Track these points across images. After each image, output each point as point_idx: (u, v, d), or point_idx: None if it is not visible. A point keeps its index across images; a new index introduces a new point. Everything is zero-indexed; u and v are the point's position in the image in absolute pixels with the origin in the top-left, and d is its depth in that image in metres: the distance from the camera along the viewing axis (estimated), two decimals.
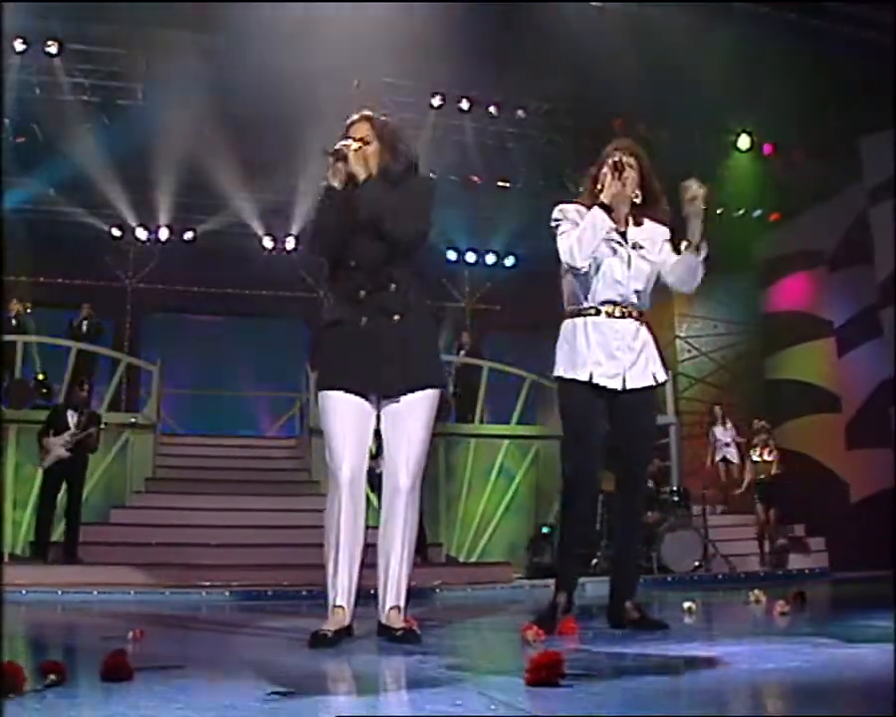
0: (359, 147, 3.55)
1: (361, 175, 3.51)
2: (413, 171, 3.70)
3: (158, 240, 14.66)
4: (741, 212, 14.20)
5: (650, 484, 11.44)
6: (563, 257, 3.75)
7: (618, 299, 3.85)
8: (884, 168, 11.78)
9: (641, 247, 3.91)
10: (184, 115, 11.36)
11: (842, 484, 12.80)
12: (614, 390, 3.81)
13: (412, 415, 3.50)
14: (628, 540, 4.03)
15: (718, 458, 12.53)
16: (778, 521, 11.51)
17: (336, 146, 3.54)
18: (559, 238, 3.82)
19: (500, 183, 13.42)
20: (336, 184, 3.53)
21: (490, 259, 16.02)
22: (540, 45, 10.05)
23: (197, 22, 10.34)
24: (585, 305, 3.86)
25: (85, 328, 12.31)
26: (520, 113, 11.92)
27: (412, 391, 3.50)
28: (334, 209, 3.54)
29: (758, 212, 14.33)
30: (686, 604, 4.71)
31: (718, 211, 14.09)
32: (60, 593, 7.72)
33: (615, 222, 3.80)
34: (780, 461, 11.62)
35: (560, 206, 3.92)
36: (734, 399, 14.31)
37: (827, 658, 2.80)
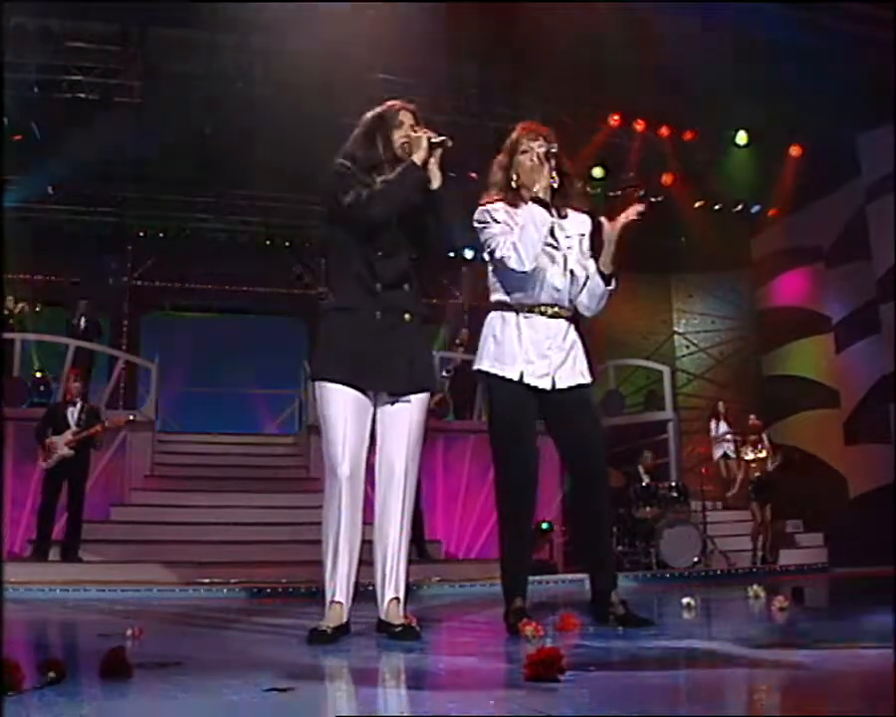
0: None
1: (436, 181, 3.52)
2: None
3: (157, 238, 14.64)
4: (739, 208, 14.20)
5: (646, 480, 11.48)
6: (509, 263, 3.61)
7: (552, 302, 3.76)
8: (883, 164, 11.78)
9: (570, 248, 3.81)
10: (182, 112, 11.35)
11: (841, 479, 12.82)
12: (544, 391, 3.69)
13: (411, 413, 3.51)
14: (601, 535, 3.85)
15: (719, 455, 12.52)
16: (772, 517, 11.49)
17: (439, 139, 3.51)
18: (491, 240, 3.71)
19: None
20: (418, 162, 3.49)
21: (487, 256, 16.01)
22: (537, 41, 10.04)
23: (196, 19, 10.33)
24: (518, 301, 3.74)
25: (83, 325, 12.29)
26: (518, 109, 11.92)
27: (415, 392, 3.52)
28: (414, 183, 3.49)
29: (756, 208, 14.33)
30: (685, 600, 4.71)
31: (716, 207, 14.11)
32: (58, 590, 7.72)
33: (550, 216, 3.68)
34: (774, 458, 11.59)
35: (485, 206, 3.77)
36: (732, 395, 14.31)
37: (825, 655, 2.80)
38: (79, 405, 9.58)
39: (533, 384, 3.68)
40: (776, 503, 11.46)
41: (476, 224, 3.79)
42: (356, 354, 3.44)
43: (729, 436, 12.44)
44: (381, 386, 3.50)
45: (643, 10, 9.85)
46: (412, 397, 3.52)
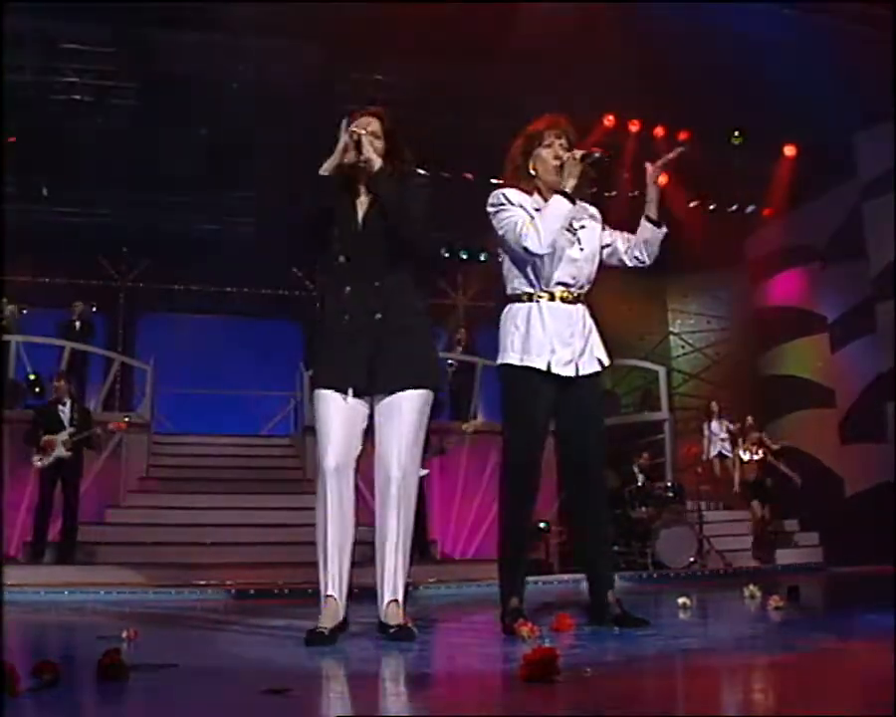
0: (370, 140, 3.56)
1: (376, 165, 3.52)
2: (414, 176, 3.71)
3: (152, 239, 14.62)
4: (734, 208, 14.20)
5: (641, 478, 11.49)
6: (526, 242, 3.60)
7: (572, 281, 3.77)
8: (878, 164, 11.80)
9: (584, 227, 3.85)
10: (178, 113, 11.34)
11: (837, 479, 12.83)
12: (566, 378, 3.71)
13: (402, 410, 3.51)
14: (599, 534, 3.88)
15: (713, 453, 12.53)
16: (771, 517, 11.54)
17: (352, 128, 3.54)
18: (506, 222, 3.71)
19: (493, 180, 13.37)
20: (346, 162, 3.54)
21: (483, 256, 16.00)
22: (532, 41, 10.03)
23: (191, 20, 10.31)
24: (538, 288, 3.76)
25: (77, 326, 12.27)
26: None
27: (399, 390, 3.51)
28: (342, 189, 3.56)
29: (751, 208, 14.33)
30: (681, 600, 4.71)
31: (711, 207, 14.11)
32: (54, 592, 7.70)
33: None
34: (771, 458, 11.63)
35: (502, 191, 3.80)
36: (727, 395, 14.31)
37: (822, 654, 2.80)
38: (69, 405, 9.56)
39: (559, 373, 3.68)
40: (773, 502, 11.50)
41: (490, 208, 3.79)
42: (333, 359, 3.54)
43: (724, 435, 12.45)
44: (354, 386, 3.50)
45: (639, 9, 9.85)
46: (400, 395, 3.51)
